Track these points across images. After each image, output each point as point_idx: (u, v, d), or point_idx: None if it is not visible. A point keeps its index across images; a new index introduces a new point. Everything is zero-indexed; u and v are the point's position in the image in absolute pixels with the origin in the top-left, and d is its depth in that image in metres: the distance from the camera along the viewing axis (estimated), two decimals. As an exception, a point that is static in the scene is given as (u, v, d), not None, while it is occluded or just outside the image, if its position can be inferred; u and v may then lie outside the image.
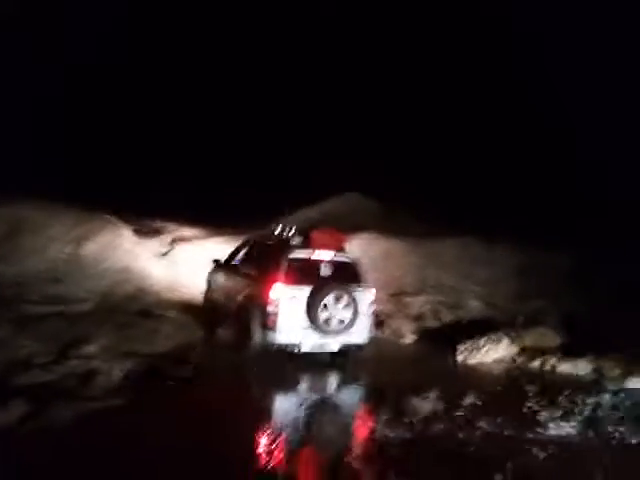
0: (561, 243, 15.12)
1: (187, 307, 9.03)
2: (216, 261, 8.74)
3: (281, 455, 4.31)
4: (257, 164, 24.80)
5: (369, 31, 29.37)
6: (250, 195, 21.08)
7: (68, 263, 8.40)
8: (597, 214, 17.32)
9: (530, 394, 6.58)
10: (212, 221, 16.43)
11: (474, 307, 11.26)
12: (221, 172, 24.04)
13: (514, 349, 8.63)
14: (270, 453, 4.34)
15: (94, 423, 4.65)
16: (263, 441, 4.63)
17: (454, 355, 8.30)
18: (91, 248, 8.95)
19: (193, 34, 26.86)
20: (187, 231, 15.12)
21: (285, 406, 5.81)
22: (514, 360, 8.48)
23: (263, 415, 5.37)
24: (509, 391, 6.87)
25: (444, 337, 9.19)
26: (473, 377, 7.55)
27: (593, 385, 7.30)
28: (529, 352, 8.77)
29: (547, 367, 8.24)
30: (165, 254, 12.26)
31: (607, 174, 19.19)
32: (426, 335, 9.56)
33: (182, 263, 11.87)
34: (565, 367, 8.18)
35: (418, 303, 10.96)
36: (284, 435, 4.75)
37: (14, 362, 5.62)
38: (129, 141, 23.73)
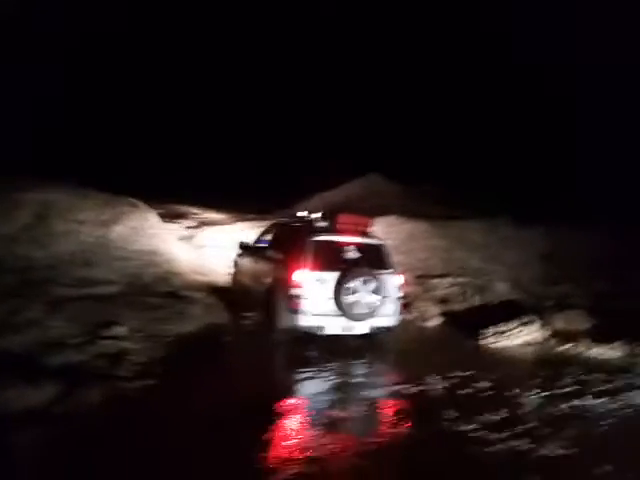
0: (587, 224, 14.85)
1: (213, 289, 9.09)
2: (243, 244, 8.76)
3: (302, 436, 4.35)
4: (279, 149, 24.87)
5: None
6: (272, 179, 21.17)
7: (97, 246, 8.50)
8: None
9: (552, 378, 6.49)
10: (236, 206, 16.52)
11: (501, 290, 11.04)
12: (243, 157, 24.19)
13: (544, 333, 8.46)
14: (291, 433, 4.39)
15: (126, 403, 4.73)
16: (286, 421, 4.67)
17: (481, 338, 8.16)
18: (119, 231, 9.03)
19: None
20: (211, 215, 15.24)
21: (308, 388, 5.74)
22: (542, 343, 8.33)
23: (286, 394, 5.36)
24: (526, 374, 6.74)
25: (471, 320, 9.06)
26: (497, 360, 7.45)
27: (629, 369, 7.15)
28: (559, 336, 8.60)
29: (578, 350, 8.07)
30: (191, 237, 12.37)
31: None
32: (452, 318, 9.43)
33: (207, 246, 11.97)
34: (597, 351, 7.99)
35: (444, 285, 10.80)
36: (306, 416, 4.80)
37: (47, 343, 5.71)
38: (150, 127, 24.01)
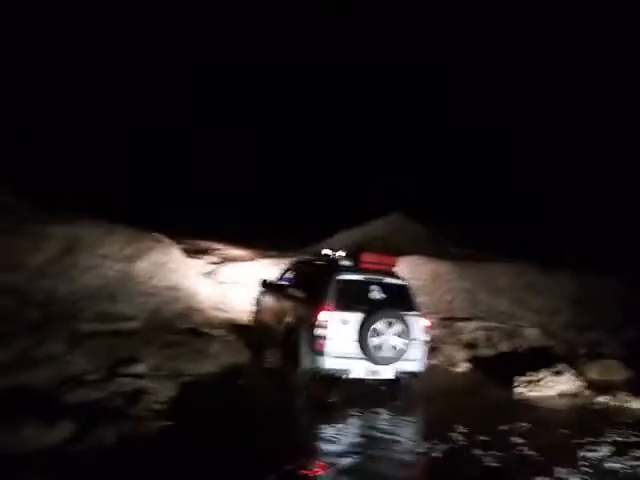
0: (615, 269, 14.41)
1: (233, 327, 8.96)
2: (265, 282, 8.64)
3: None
4: (301, 187, 25.09)
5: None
6: (295, 218, 21.26)
7: (120, 281, 8.49)
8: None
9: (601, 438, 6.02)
10: (257, 243, 16.53)
11: (530, 335, 10.65)
12: (267, 195, 24.48)
13: (578, 383, 8.02)
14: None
15: (140, 444, 4.56)
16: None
17: (511, 387, 7.77)
18: (142, 267, 9.03)
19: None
20: (233, 252, 15.23)
21: (327, 446, 5.24)
22: (578, 395, 7.89)
23: (309, 447, 5.10)
24: (565, 432, 6.18)
25: (500, 367, 8.68)
26: (533, 413, 6.96)
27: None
28: (594, 387, 8.17)
29: (615, 403, 7.62)
30: (212, 273, 12.33)
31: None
32: (480, 364, 9.04)
33: (228, 283, 11.89)
34: (637, 403, 7.55)
35: (470, 329, 10.45)
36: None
37: (65, 379, 5.64)
38: (178, 165, 24.60)
